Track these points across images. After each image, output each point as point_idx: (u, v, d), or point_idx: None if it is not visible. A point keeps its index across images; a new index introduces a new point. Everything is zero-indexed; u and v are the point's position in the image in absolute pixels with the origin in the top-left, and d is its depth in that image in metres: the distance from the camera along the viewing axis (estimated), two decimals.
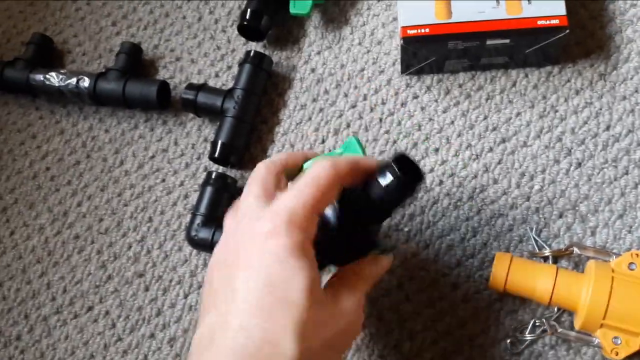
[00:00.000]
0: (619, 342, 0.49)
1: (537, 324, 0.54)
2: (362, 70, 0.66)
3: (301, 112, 0.66)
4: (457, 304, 0.57)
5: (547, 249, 0.56)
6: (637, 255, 0.50)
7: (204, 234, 0.59)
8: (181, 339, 0.60)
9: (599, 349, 0.52)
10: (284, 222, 0.40)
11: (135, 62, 0.68)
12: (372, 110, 0.64)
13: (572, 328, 0.53)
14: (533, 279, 0.51)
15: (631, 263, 0.50)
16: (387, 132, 0.63)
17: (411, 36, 0.58)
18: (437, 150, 0.62)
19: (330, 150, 0.64)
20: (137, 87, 0.65)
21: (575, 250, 0.54)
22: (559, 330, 0.52)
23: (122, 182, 0.66)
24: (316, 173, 0.42)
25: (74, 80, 0.66)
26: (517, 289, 0.52)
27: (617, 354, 0.49)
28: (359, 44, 0.67)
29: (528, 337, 0.54)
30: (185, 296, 0.61)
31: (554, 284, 0.50)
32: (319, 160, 0.44)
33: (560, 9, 0.57)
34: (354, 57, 0.67)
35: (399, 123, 0.64)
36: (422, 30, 0.58)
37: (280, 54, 0.68)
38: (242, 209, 0.44)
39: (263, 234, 0.41)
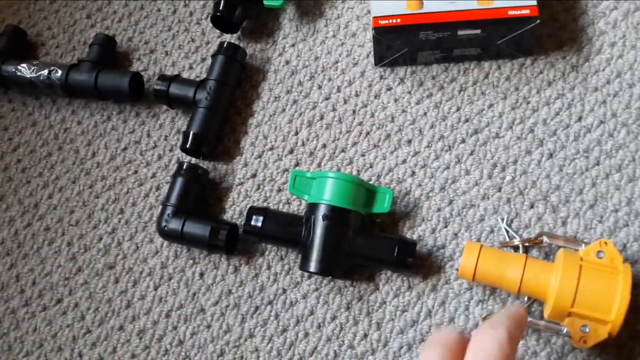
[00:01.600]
0: (587, 330, 0.48)
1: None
2: (336, 62, 0.66)
3: (275, 103, 0.65)
4: (426, 294, 0.56)
5: (517, 238, 0.56)
6: (605, 243, 0.50)
7: (174, 224, 0.58)
8: (150, 331, 0.59)
9: (568, 338, 0.52)
10: None
11: (109, 54, 0.68)
12: (345, 102, 0.64)
13: (542, 318, 0.53)
14: (502, 267, 0.51)
15: (599, 251, 0.50)
16: (360, 123, 0.63)
17: (383, 26, 0.58)
18: (409, 141, 0.62)
19: (303, 143, 0.63)
20: (109, 78, 0.65)
21: (545, 239, 0.54)
22: (528, 319, 0.52)
23: (94, 174, 0.66)
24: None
25: (45, 72, 0.65)
26: (487, 278, 0.52)
27: (585, 342, 0.48)
28: (334, 36, 0.67)
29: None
30: (156, 288, 0.60)
31: (523, 273, 0.50)
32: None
33: None
34: (328, 49, 0.66)
35: (372, 115, 0.63)
36: (394, 21, 0.58)
37: (254, 46, 0.68)
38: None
39: None
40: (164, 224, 0.59)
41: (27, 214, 0.65)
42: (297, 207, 0.61)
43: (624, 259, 0.50)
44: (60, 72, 0.65)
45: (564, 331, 0.50)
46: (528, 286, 0.50)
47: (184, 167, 0.60)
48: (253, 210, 0.57)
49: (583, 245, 0.52)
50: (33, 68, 0.66)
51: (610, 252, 0.50)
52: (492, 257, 0.52)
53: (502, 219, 0.57)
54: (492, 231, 0.58)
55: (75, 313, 0.61)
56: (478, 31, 0.58)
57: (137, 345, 0.59)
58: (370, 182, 0.61)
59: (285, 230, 0.56)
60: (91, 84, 0.65)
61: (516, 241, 0.55)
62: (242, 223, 0.60)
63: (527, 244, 0.55)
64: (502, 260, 0.52)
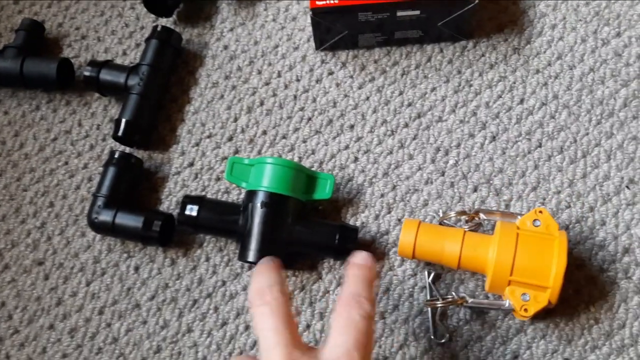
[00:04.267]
0: (527, 298, 0.48)
1: (449, 297, 0.52)
2: (276, 46, 0.64)
3: (213, 90, 0.63)
4: None
5: (453, 212, 0.54)
6: (540, 212, 0.50)
7: (105, 216, 0.55)
8: (82, 329, 0.56)
9: (512, 319, 0.51)
10: None
11: (36, 40, 0.64)
12: (286, 87, 0.62)
13: (486, 297, 0.52)
14: (441, 242, 0.50)
15: (535, 220, 0.50)
16: (301, 109, 0.61)
17: (320, 7, 0.57)
18: (352, 126, 0.60)
19: (242, 130, 0.61)
20: (36, 65, 0.61)
21: (482, 215, 0.53)
22: (469, 300, 0.51)
23: (22, 166, 0.62)
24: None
25: None
26: (426, 254, 0.51)
27: (526, 310, 0.48)
28: (273, 20, 0.65)
29: (439, 304, 0.52)
30: (88, 284, 0.57)
31: (462, 246, 0.49)
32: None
33: None
34: (268, 34, 0.64)
35: (314, 100, 0.62)
36: (331, 1, 0.57)
37: (191, 30, 0.65)
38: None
39: None
40: (94, 215, 0.56)
41: None
42: (237, 196, 0.59)
43: (559, 226, 0.49)
44: None
45: (506, 305, 0.49)
46: (467, 259, 0.50)
47: (116, 156, 0.57)
48: (187, 199, 0.54)
49: (519, 217, 0.51)
50: None
51: (545, 219, 0.49)
52: (431, 232, 0.51)
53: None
54: (435, 216, 0.56)
55: (2, 313, 0.57)
56: (417, 12, 0.57)
57: (69, 345, 0.56)
58: (312, 169, 0.59)
59: (221, 219, 0.54)
60: (16, 71, 0.61)
61: (452, 214, 0.54)
62: (177, 213, 0.57)
63: (465, 220, 0.54)
64: (440, 235, 0.51)
